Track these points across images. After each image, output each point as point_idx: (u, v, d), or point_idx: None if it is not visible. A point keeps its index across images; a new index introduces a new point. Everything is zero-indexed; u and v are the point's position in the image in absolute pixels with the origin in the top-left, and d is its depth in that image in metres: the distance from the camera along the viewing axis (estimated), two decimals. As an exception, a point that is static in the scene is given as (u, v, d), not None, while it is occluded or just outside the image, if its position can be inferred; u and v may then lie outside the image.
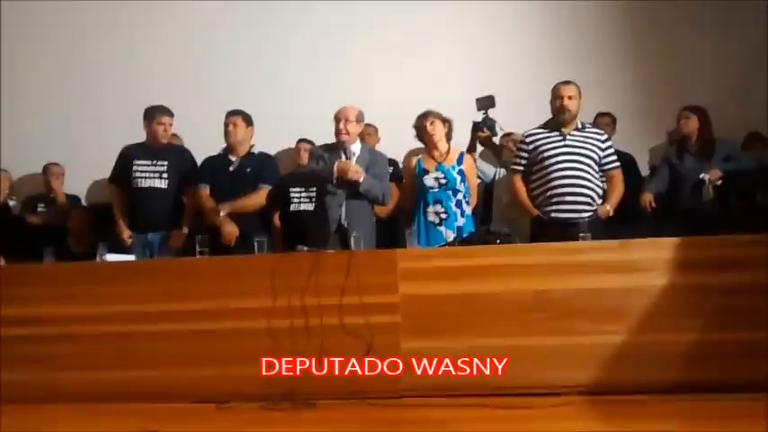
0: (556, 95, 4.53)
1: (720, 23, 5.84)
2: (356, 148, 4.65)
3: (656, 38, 5.84)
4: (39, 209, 5.72)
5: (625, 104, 5.48)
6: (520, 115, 5.31)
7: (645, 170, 5.53)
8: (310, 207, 4.99)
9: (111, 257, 4.21)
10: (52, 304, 3.93)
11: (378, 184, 4.56)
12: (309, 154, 4.88)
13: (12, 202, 5.83)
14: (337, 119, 4.59)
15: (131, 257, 4.48)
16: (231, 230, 4.73)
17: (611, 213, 4.45)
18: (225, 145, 5.00)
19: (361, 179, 4.47)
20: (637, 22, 5.88)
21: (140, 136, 5.12)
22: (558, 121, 4.53)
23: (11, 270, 4.29)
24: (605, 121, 5.41)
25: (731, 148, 5.00)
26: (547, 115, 4.63)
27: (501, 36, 6.03)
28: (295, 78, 6.05)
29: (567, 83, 4.54)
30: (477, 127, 5.07)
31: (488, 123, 5.03)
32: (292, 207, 5.21)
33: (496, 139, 5.26)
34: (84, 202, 5.94)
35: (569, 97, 4.49)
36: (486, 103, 5.00)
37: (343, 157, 4.57)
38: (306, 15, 6.14)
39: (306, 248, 4.03)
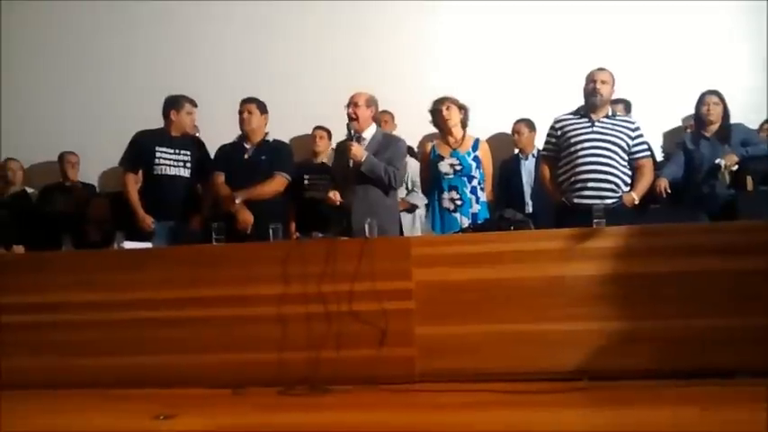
0: (590, 80, 4.51)
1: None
2: (368, 133, 4.62)
3: (670, 23, 5.79)
4: (56, 197, 5.76)
5: (639, 90, 5.43)
6: (537, 105, 5.33)
7: (659, 156, 5.49)
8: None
9: (129, 245, 4.25)
10: (71, 291, 3.98)
11: (382, 165, 4.47)
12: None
13: (30, 191, 5.89)
14: (348, 104, 4.60)
15: (148, 245, 4.51)
16: (246, 218, 4.74)
17: (636, 201, 4.41)
18: (240, 133, 5.02)
19: (363, 159, 4.43)
20: (651, 6, 5.83)
21: (153, 124, 5.10)
22: (589, 105, 4.51)
23: (31, 257, 4.36)
24: (619, 107, 5.37)
25: (747, 133, 4.96)
26: (567, 106, 4.65)
27: (520, 23, 6.00)
28: (310, 65, 6.04)
29: (601, 69, 4.52)
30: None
31: None
32: (307, 194, 5.24)
33: None
34: (97, 191, 5.99)
35: (602, 81, 4.47)
36: None
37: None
38: (321, 1, 6.13)
39: (321, 235, 4.05)
